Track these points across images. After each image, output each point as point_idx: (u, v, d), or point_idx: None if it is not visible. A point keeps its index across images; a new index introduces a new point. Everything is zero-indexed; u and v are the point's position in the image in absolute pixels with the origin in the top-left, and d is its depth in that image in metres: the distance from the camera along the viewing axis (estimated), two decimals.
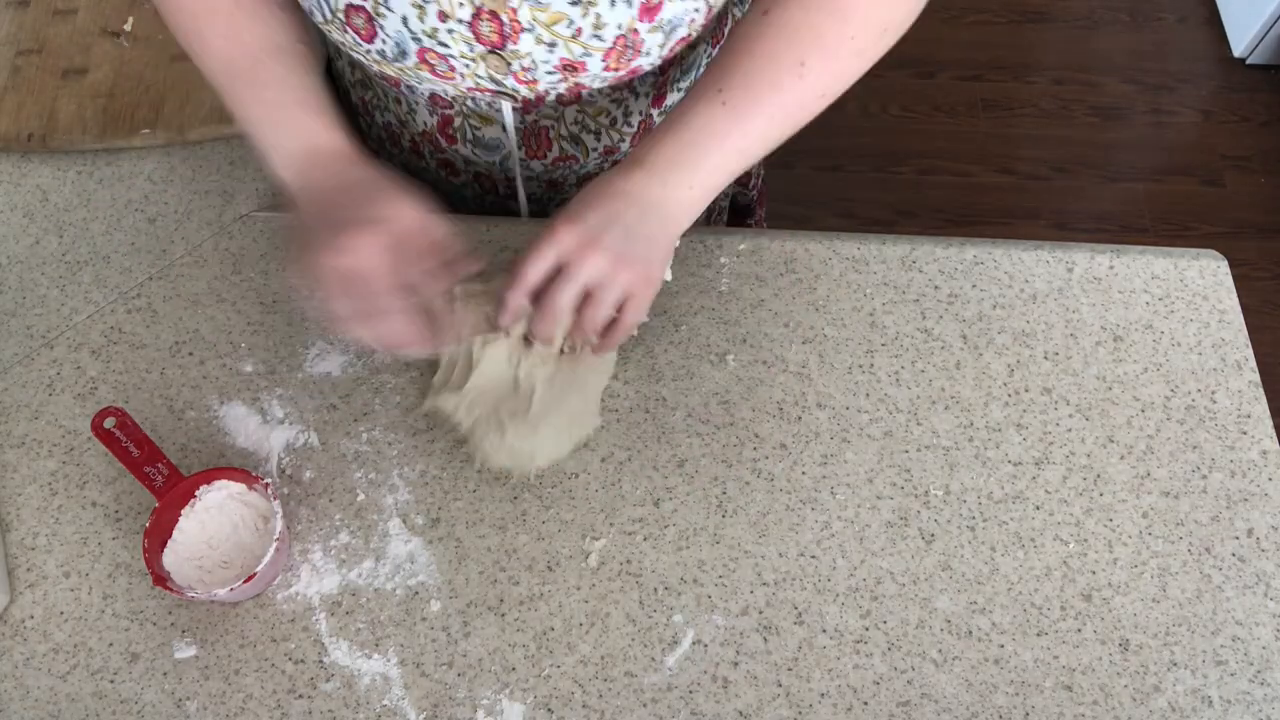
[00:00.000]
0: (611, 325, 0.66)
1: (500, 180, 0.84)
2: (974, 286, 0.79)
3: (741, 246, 0.80)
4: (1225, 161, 2.03)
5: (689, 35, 0.69)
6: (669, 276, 0.72)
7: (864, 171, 2.03)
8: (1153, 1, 2.25)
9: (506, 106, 0.74)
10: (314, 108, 0.67)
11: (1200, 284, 0.79)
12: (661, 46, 0.68)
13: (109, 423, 0.67)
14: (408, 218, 0.63)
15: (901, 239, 0.81)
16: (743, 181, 1.03)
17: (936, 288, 0.79)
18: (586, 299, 0.64)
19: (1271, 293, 1.88)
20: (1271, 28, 2.05)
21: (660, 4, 0.64)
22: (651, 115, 0.80)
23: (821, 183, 2.00)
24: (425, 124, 0.79)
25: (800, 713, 0.63)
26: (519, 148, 0.79)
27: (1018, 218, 1.97)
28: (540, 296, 0.64)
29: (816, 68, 0.64)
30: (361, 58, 0.69)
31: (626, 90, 0.76)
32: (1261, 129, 2.07)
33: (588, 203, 0.64)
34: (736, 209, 1.08)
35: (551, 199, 0.86)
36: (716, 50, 0.81)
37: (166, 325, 0.77)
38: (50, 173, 0.86)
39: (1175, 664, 0.64)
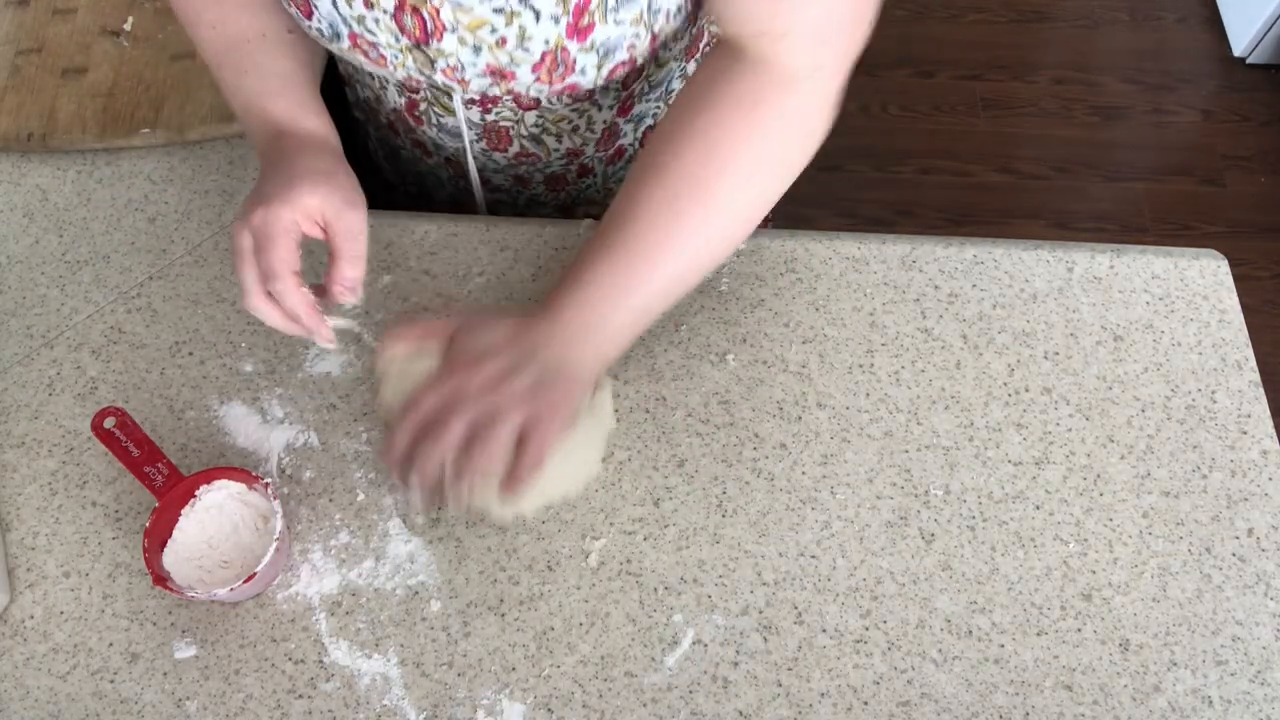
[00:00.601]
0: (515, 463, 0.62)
1: (470, 167, 0.84)
2: (974, 286, 0.79)
3: (741, 246, 0.80)
4: (1225, 161, 2.03)
5: (631, 59, 0.67)
6: (613, 424, 0.71)
7: (864, 171, 2.03)
8: (1153, 1, 2.26)
9: (457, 98, 0.74)
10: (289, 97, 0.68)
11: (1200, 284, 0.79)
12: (598, 68, 0.67)
13: (109, 423, 0.67)
14: (320, 195, 0.62)
15: (901, 239, 0.81)
16: None
17: (936, 288, 0.79)
18: (473, 437, 0.60)
19: (1271, 293, 1.88)
20: (1271, 28, 2.05)
21: (591, 26, 0.63)
22: (618, 123, 0.80)
23: (821, 183, 2.00)
24: (394, 103, 0.80)
25: (800, 713, 0.63)
26: (478, 139, 0.79)
27: (1018, 217, 1.97)
28: (420, 434, 0.61)
29: (700, 218, 0.64)
30: (311, 34, 0.70)
31: (587, 102, 0.76)
32: (1261, 129, 2.07)
33: (491, 347, 0.63)
34: None
35: (520, 193, 0.86)
36: (690, 65, 0.80)
37: (166, 325, 0.77)
38: (50, 173, 0.86)
39: (1175, 664, 0.64)
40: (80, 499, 0.70)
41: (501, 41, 0.64)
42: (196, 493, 0.66)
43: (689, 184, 0.63)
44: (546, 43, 0.64)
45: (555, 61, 0.65)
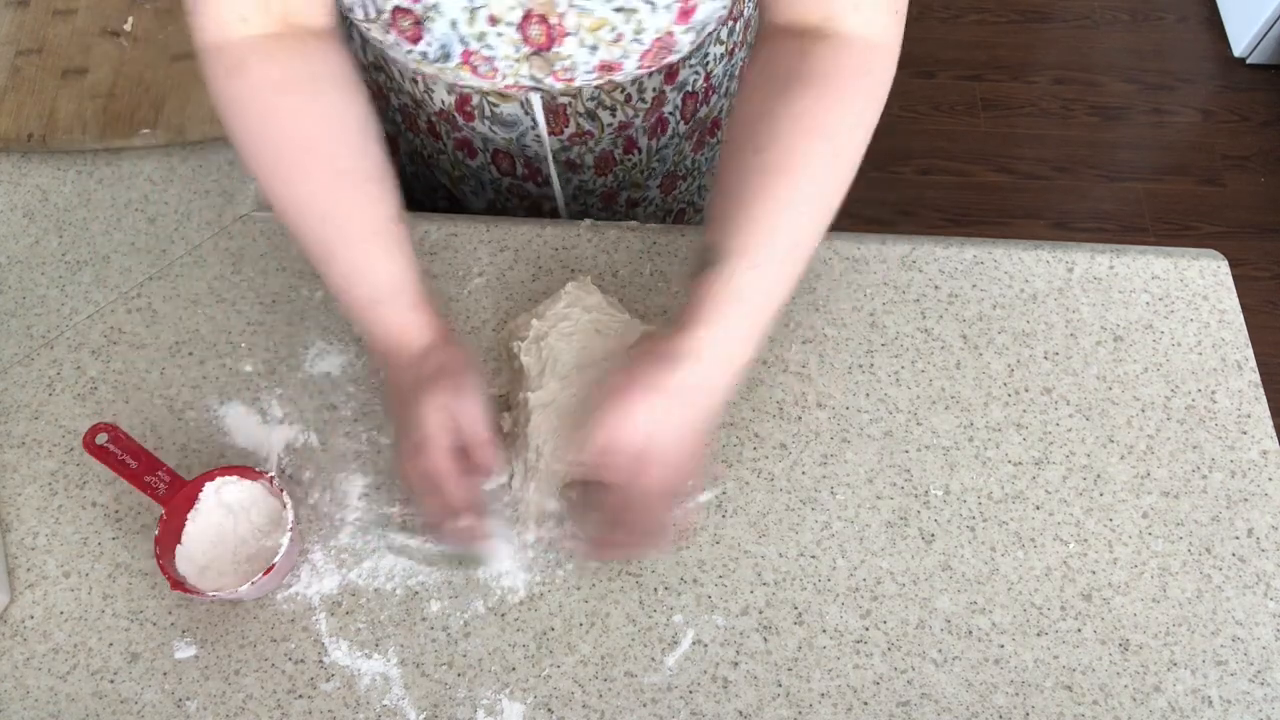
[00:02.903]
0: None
1: (519, 158, 0.83)
2: (974, 286, 0.79)
3: None
4: (1225, 161, 2.03)
5: (714, 29, 0.71)
6: None
7: (864, 171, 2.01)
8: (1153, 1, 2.25)
9: (536, 99, 0.75)
10: (400, 305, 0.64)
11: (1200, 284, 0.79)
12: (692, 43, 0.70)
13: (101, 438, 0.65)
14: (469, 416, 0.62)
15: (901, 239, 0.81)
16: None
17: (936, 288, 0.79)
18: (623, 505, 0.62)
19: (1271, 293, 1.88)
20: (1271, 28, 2.05)
21: (695, 7, 0.66)
22: (665, 90, 0.81)
23: None
24: (443, 102, 0.79)
25: (800, 713, 0.63)
26: (534, 125, 0.79)
27: (1018, 218, 1.97)
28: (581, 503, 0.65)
29: (819, 199, 0.64)
30: (399, 57, 0.70)
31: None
32: (1261, 129, 2.07)
33: (633, 402, 0.61)
34: None
35: (568, 180, 0.86)
36: (723, 30, 0.81)
37: (166, 325, 0.77)
38: (50, 173, 0.86)
39: (1175, 664, 0.64)
40: (80, 499, 0.70)
41: (618, 38, 0.66)
42: (200, 495, 0.66)
43: (803, 180, 0.63)
44: (657, 31, 0.66)
45: (661, 46, 0.68)
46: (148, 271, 0.80)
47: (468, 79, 0.70)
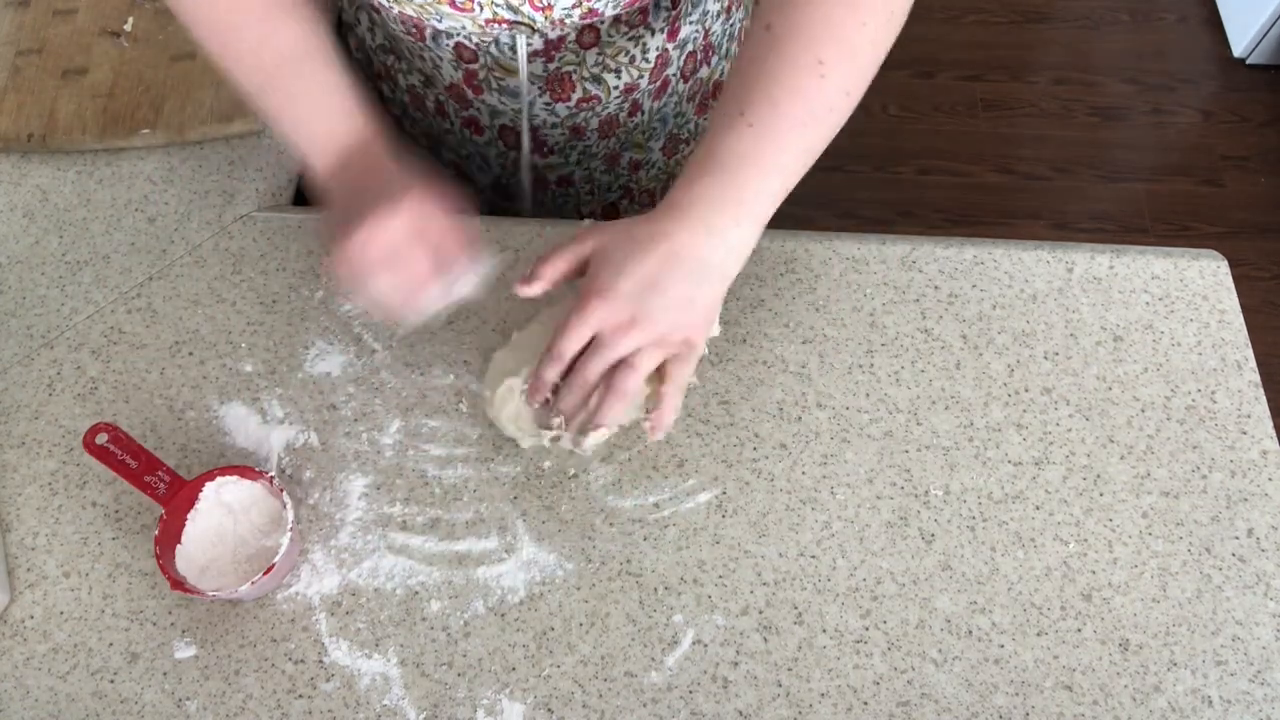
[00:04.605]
0: (658, 405, 0.65)
1: (525, 130, 0.85)
2: (974, 286, 0.79)
3: None
4: (1225, 161, 2.03)
5: None
6: (717, 331, 0.71)
7: (864, 171, 2.03)
8: (1153, 1, 2.26)
9: (521, 50, 0.75)
10: (341, 108, 0.67)
11: (1200, 284, 0.79)
12: None
13: (101, 439, 0.65)
14: (429, 201, 0.64)
15: (901, 239, 0.81)
16: None
17: (936, 288, 0.79)
18: (619, 365, 0.63)
19: (1271, 293, 1.88)
20: (1271, 28, 2.05)
21: None
22: (667, 49, 0.81)
23: (821, 183, 1.99)
24: (450, 78, 0.80)
25: (800, 713, 0.63)
26: (541, 93, 0.80)
27: (1018, 218, 1.97)
28: (570, 371, 0.64)
29: (835, 64, 0.61)
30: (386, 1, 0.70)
31: (642, 28, 0.77)
32: (1261, 129, 2.07)
33: (620, 266, 0.62)
34: None
35: (572, 149, 0.87)
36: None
37: (166, 325, 0.77)
38: (50, 173, 0.86)
39: (1175, 664, 0.64)
40: (80, 499, 0.70)
41: None
42: (200, 494, 0.66)
43: (820, 42, 0.60)
44: None
45: None
46: (148, 271, 0.80)
47: (448, 12, 0.70)
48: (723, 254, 0.62)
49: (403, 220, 0.62)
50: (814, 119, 0.62)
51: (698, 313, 0.63)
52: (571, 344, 0.63)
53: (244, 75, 0.68)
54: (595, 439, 0.69)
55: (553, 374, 0.64)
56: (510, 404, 0.69)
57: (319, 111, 0.67)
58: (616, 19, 0.74)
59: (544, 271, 0.65)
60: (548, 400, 0.66)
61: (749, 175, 0.61)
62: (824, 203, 1.98)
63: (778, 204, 0.63)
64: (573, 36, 0.74)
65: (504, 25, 0.71)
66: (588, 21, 0.72)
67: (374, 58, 0.88)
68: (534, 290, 0.65)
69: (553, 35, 0.73)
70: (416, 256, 0.63)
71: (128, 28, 0.92)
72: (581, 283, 0.65)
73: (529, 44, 0.74)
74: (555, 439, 0.69)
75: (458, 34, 0.75)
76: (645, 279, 0.61)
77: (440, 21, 0.72)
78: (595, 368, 0.63)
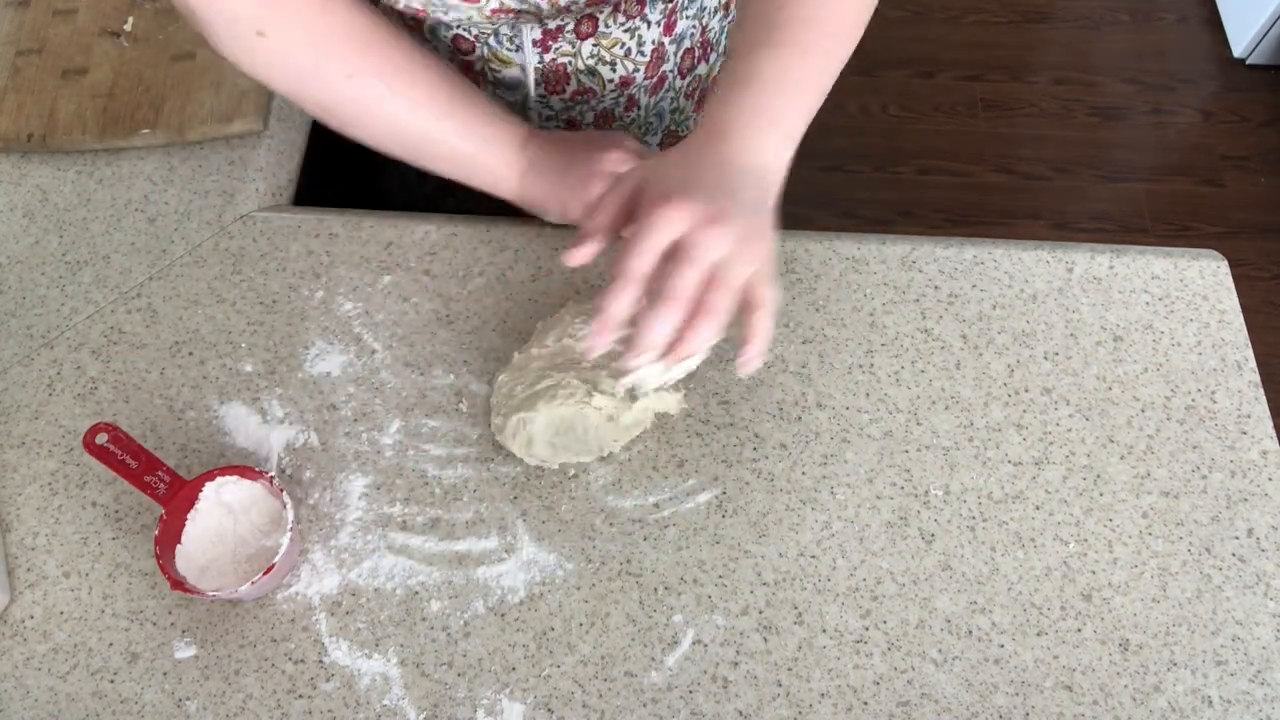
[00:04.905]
0: (749, 319, 0.58)
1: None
2: (974, 286, 0.79)
3: None
4: (1225, 162, 2.03)
5: None
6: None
7: (864, 171, 2.03)
8: (1153, 1, 2.26)
9: (526, 34, 0.75)
10: (497, 113, 0.73)
11: (1200, 284, 0.79)
12: None
13: (101, 438, 0.65)
14: (631, 143, 0.72)
15: (901, 239, 0.81)
16: None
17: (936, 288, 0.79)
18: (709, 284, 0.54)
19: (1271, 293, 1.88)
20: (1271, 28, 2.05)
21: None
22: (663, 43, 0.81)
23: (821, 183, 2.00)
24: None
25: (800, 713, 0.63)
26: (538, 84, 0.81)
27: (1018, 218, 1.97)
28: (653, 291, 0.55)
29: None
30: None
31: (639, 20, 0.77)
32: (1261, 129, 2.07)
33: (681, 179, 0.56)
34: None
35: None
36: None
37: (166, 325, 0.77)
38: (50, 173, 0.86)
39: (1175, 664, 0.64)
40: (80, 499, 0.70)
41: None
42: (200, 494, 0.66)
43: None
44: None
45: None
46: (148, 271, 0.80)
47: (455, 6, 0.70)
48: (771, 161, 0.59)
49: (628, 150, 0.70)
50: (845, 36, 0.62)
51: (765, 219, 0.57)
52: (647, 258, 0.54)
53: (412, 128, 0.71)
54: (680, 370, 0.61)
55: (627, 302, 0.55)
56: (522, 433, 0.69)
57: (491, 127, 0.72)
58: (615, 7, 0.74)
59: (594, 223, 0.59)
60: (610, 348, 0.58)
61: (786, 85, 0.59)
62: (824, 202, 1.98)
63: (808, 123, 0.61)
64: (570, 26, 0.75)
65: (510, 15, 0.72)
66: (589, 11, 0.72)
67: None
68: (586, 252, 0.58)
69: (551, 25, 0.74)
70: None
71: (128, 28, 0.92)
72: (639, 210, 0.58)
73: (530, 34, 0.75)
74: (630, 391, 0.62)
75: (460, 26, 0.75)
76: (711, 183, 0.55)
77: (446, 14, 0.72)
78: (690, 278, 0.53)
